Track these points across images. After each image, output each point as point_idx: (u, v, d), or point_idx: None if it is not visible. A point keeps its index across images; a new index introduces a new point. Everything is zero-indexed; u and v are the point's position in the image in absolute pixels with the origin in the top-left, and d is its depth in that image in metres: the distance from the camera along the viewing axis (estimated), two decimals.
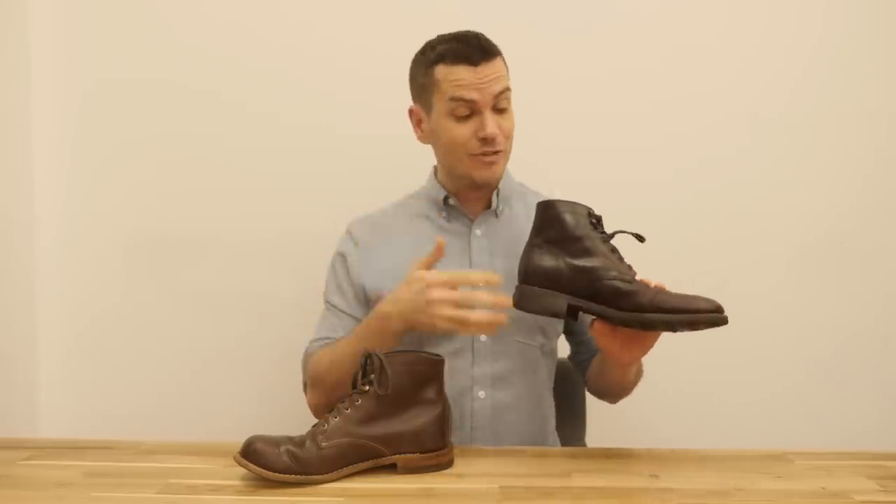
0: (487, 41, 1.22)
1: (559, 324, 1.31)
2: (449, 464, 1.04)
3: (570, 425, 1.45)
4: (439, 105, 1.22)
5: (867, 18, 1.70)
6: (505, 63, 1.24)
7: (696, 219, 1.71)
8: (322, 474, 0.96)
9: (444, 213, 1.30)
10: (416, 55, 1.27)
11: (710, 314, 1.00)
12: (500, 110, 1.21)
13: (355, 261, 1.29)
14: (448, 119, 1.21)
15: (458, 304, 1.09)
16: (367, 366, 1.02)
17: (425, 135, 1.29)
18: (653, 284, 1.05)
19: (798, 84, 1.71)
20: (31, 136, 1.66)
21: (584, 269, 1.05)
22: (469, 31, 1.23)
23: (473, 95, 1.19)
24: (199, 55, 1.67)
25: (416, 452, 1.02)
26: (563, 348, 1.38)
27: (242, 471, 0.96)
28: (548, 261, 1.07)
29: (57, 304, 1.70)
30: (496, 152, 1.22)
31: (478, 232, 1.28)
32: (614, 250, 1.08)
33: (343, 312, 1.28)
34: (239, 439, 0.98)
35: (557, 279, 1.06)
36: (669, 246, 1.66)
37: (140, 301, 1.70)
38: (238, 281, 1.70)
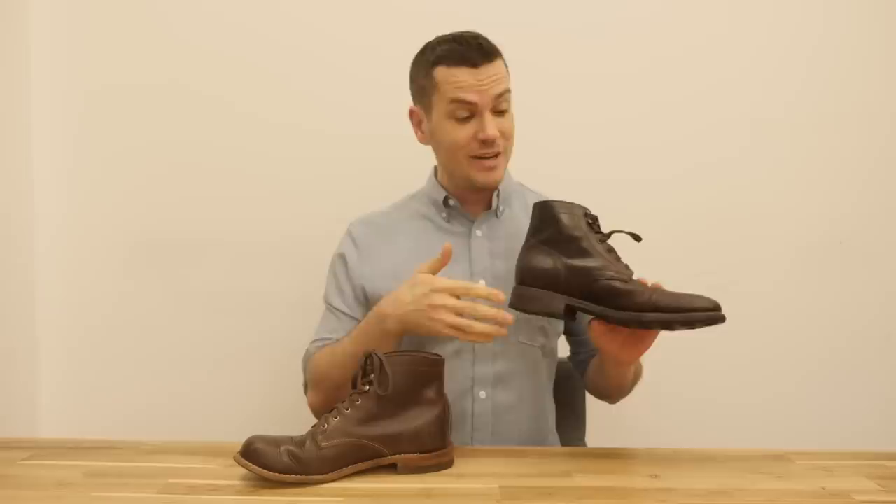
0: (488, 42, 1.22)
1: (559, 324, 1.31)
2: (449, 464, 1.04)
3: (570, 425, 1.45)
4: (439, 106, 1.22)
5: (867, 19, 1.70)
6: (505, 64, 1.23)
7: (697, 219, 1.71)
8: (322, 474, 0.96)
9: (444, 214, 1.30)
10: (417, 56, 1.27)
11: (708, 313, 1.00)
12: (500, 112, 1.21)
13: (355, 262, 1.29)
14: (448, 121, 1.21)
15: (460, 313, 1.08)
16: (367, 366, 1.02)
17: (426, 136, 1.29)
18: (650, 284, 1.05)
19: (799, 85, 1.71)
20: (32, 137, 1.67)
21: (581, 270, 1.05)
22: (469, 32, 1.23)
23: (473, 97, 1.18)
24: (200, 58, 1.67)
25: (416, 452, 1.02)
26: (563, 348, 1.38)
27: (242, 471, 0.96)
28: (545, 261, 1.07)
29: (57, 305, 1.70)
30: (496, 155, 1.21)
31: (478, 233, 1.28)
32: (611, 250, 1.09)
33: (343, 314, 1.28)
34: (239, 439, 0.98)
35: (555, 280, 1.06)
36: (670, 246, 1.67)
37: (140, 301, 1.70)
38: (238, 281, 1.70)
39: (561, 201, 1.10)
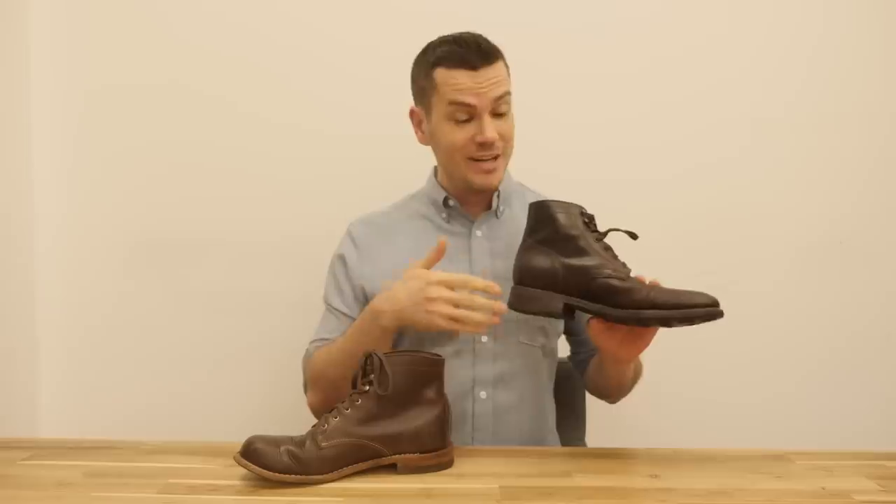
0: (488, 44, 1.21)
1: (559, 324, 1.31)
2: (449, 464, 1.04)
3: (570, 425, 1.45)
4: (438, 108, 1.22)
5: (867, 19, 1.70)
6: (506, 65, 1.23)
7: (697, 219, 1.71)
8: (322, 474, 0.96)
9: (444, 214, 1.30)
10: (418, 56, 1.27)
11: (706, 308, 1.00)
12: (499, 114, 1.21)
13: (355, 262, 1.29)
14: (447, 122, 1.21)
15: (457, 305, 1.09)
16: (367, 366, 1.02)
17: (426, 136, 1.29)
18: (648, 281, 1.05)
19: (799, 85, 1.71)
20: (32, 137, 1.67)
21: (578, 268, 1.05)
22: (470, 34, 1.22)
23: (472, 100, 1.18)
24: (200, 58, 1.67)
25: (416, 452, 1.02)
26: (563, 348, 1.38)
27: (242, 471, 0.96)
28: (542, 261, 1.07)
29: (57, 304, 1.70)
30: (495, 157, 1.21)
31: (478, 233, 1.28)
32: (608, 248, 1.09)
33: (342, 314, 1.28)
34: (239, 439, 0.98)
35: (553, 279, 1.06)
36: (670, 246, 1.67)
37: (140, 301, 1.70)
38: (238, 281, 1.70)
39: (557, 201, 1.10)
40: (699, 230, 1.71)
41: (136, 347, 1.71)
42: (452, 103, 1.19)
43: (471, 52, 1.18)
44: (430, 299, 1.09)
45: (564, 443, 1.36)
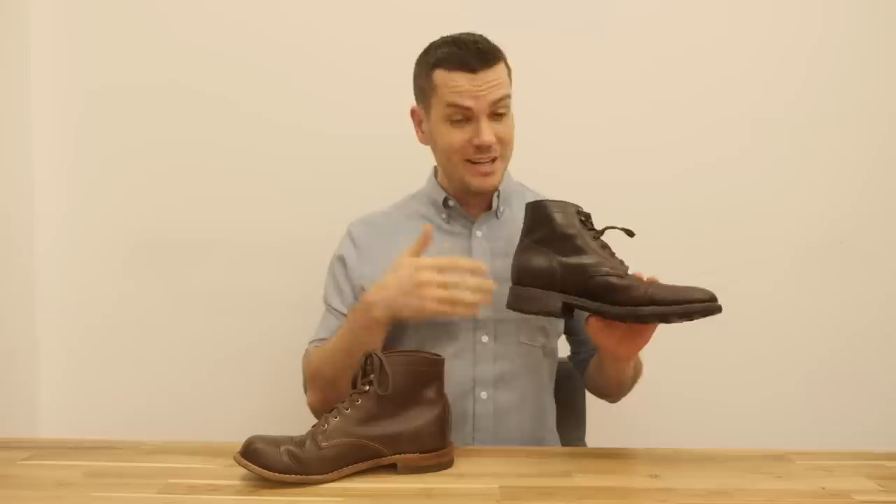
0: (489, 46, 1.20)
1: (559, 323, 1.31)
2: (449, 464, 1.04)
3: (571, 425, 1.45)
4: (437, 109, 1.22)
5: (867, 19, 1.70)
6: (507, 67, 1.23)
7: (697, 219, 1.71)
8: (322, 474, 0.96)
9: (444, 215, 1.30)
10: (420, 56, 1.26)
11: (704, 304, 1.00)
12: (498, 117, 1.20)
13: (355, 262, 1.29)
14: (444, 124, 1.21)
15: (447, 287, 1.10)
16: (367, 366, 1.02)
17: (426, 136, 1.29)
18: (646, 278, 1.05)
19: (799, 85, 1.71)
20: (32, 137, 1.67)
21: (576, 267, 1.05)
22: (471, 36, 1.22)
23: (469, 103, 1.18)
24: (200, 57, 1.67)
25: (416, 452, 1.02)
26: (564, 348, 1.38)
27: (242, 471, 0.96)
28: (540, 261, 1.07)
29: (57, 304, 1.70)
30: (493, 160, 1.21)
31: (478, 233, 1.28)
32: (605, 246, 1.09)
33: (342, 314, 1.28)
34: (239, 439, 0.98)
35: (551, 278, 1.06)
36: (670, 246, 1.67)
37: (140, 301, 1.70)
38: (238, 281, 1.70)
39: (553, 200, 1.10)
40: (699, 230, 1.71)
41: (136, 347, 1.71)
42: (450, 105, 1.19)
43: (470, 54, 1.18)
44: (421, 284, 1.09)
45: (564, 443, 1.36)
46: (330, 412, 1.01)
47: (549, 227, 1.08)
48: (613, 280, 1.03)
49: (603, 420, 1.50)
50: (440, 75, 1.20)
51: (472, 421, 1.23)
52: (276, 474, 0.94)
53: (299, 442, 0.97)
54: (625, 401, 1.33)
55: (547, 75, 1.64)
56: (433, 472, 1.02)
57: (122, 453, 1.09)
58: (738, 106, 1.70)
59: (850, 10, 1.70)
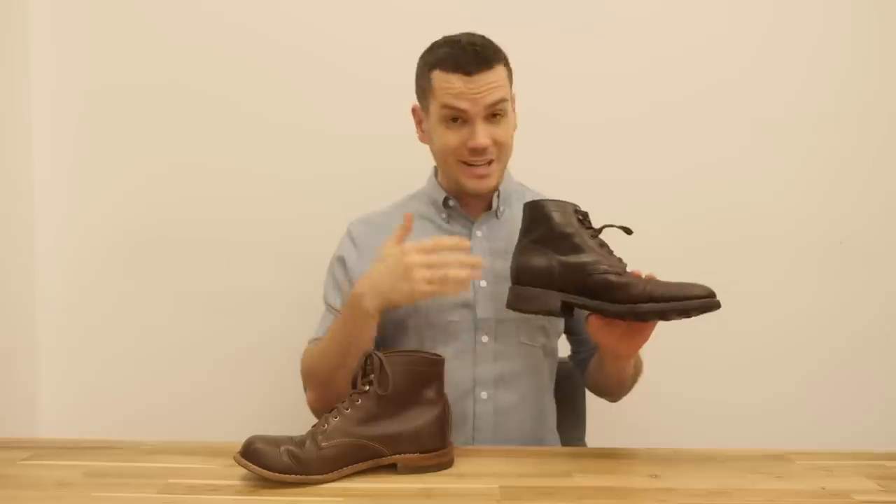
0: (487, 49, 1.20)
1: (559, 323, 1.31)
2: (449, 464, 1.04)
3: (571, 425, 1.45)
4: (434, 109, 1.22)
5: (867, 20, 1.70)
6: (508, 68, 1.23)
7: (697, 219, 1.71)
8: (322, 474, 0.96)
9: (444, 214, 1.30)
10: (422, 54, 1.26)
11: (703, 300, 1.00)
12: (495, 119, 1.20)
13: (354, 261, 1.29)
14: (441, 124, 1.21)
15: (435, 267, 1.10)
16: (367, 366, 1.02)
17: (425, 135, 1.29)
18: (644, 275, 1.05)
19: (799, 85, 1.71)
20: (32, 137, 1.67)
21: (575, 266, 1.06)
22: (471, 38, 1.21)
23: (464, 105, 1.18)
24: (200, 57, 1.67)
25: (416, 452, 1.02)
26: (564, 348, 1.38)
27: (242, 471, 0.96)
28: (539, 260, 1.08)
29: (57, 304, 1.70)
30: (489, 162, 1.21)
31: (478, 233, 1.28)
32: (603, 245, 1.09)
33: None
34: (239, 439, 0.98)
35: (549, 277, 1.07)
36: (670, 246, 1.67)
37: (140, 301, 1.70)
38: (238, 281, 1.70)
39: (551, 200, 1.11)
40: (699, 230, 1.71)
41: (136, 347, 1.70)
42: (445, 107, 1.19)
43: (467, 56, 1.18)
44: (409, 267, 1.09)
45: (564, 443, 1.36)
46: (330, 412, 1.01)
47: (547, 227, 1.08)
48: (612, 278, 1.03)
49: (603, 420, 1.50)
50: (437, 76, 1.20)
51: (472, 421, 1.23)
52: (276, 474, 0.94)
53: (299, 442, 0.97)
54: (625, 401, 1.33)
55: (547, 75, 1.64)
56: (433, 472, 1.02)
57: (122, 453, 1.09)
58: (738, 106, 1.70)
59: (850, 10, 1.70)
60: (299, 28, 1.67)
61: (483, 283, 1.24)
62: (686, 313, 1.00)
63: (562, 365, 1.38)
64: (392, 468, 1.01)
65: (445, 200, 1.29)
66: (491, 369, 1.24)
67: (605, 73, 1.69)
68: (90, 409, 1.69)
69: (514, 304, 1.10)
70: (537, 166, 1.43)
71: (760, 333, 1.72)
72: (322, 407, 1.16)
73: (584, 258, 1.06)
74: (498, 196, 1.29)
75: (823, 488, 0.97)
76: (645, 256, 1.13)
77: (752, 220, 1.72)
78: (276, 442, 0.96)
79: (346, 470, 0.98)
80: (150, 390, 1.70)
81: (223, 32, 1.67)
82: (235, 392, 1.70)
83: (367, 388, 1.01)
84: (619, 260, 1.08)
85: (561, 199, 1.11)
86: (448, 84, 1.18)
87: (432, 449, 1.03)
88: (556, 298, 1.06)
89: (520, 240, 1.12)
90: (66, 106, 1.68)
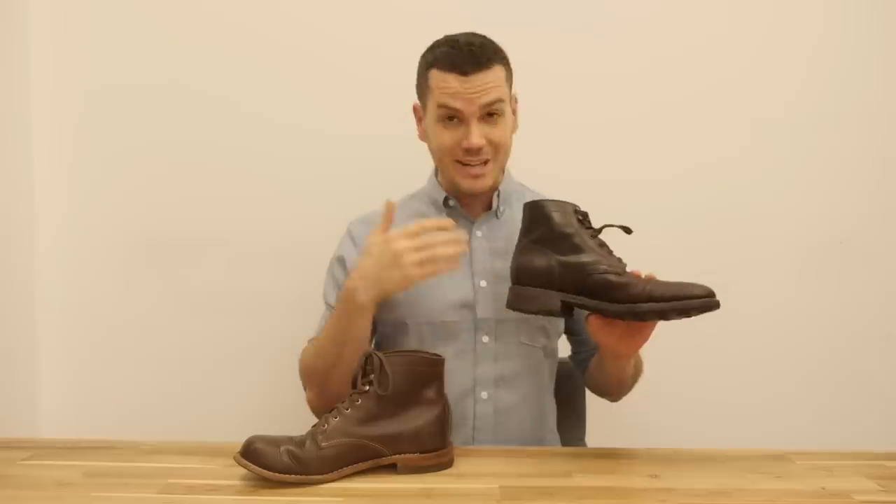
0: (485, 49, 1.20)
1: (559, 323, 1.31)
2: (449, 464, 1.04)
3: (571, 425, 1.45)
4: (431, 108, 1.23)
5: (867, 20, 1.70)
6: (507, 69, 1.23)
7: (697, 219, 1.71)
8: (322, 474, 0.96)
9: (444, 214, 1.30)
10: (423, 52, 1.26)
11: (703, 299, 1.00)
12: (491, 120, 1.20)
13: (354, 261, 1.29)
14: (437, 123, 1.22)
15: (422, 249, 1.09)
16: (367, 366, 1.02)
17: (423, 133, 1.29)
18: (644, 275, 1.05)
19: (799, 85, 1.71)
20: (32, 137, 1.67)
21: (575, 266, 1.06)
22: (468, 38, 1.21)
23: (459, 105, 1.18)
24: (200, 57, 1.67)
25: (416, 452, 1.02)
26: (564, 348, 1.38)
27: (242, 471, 0.96)
28: (538, 260, 1.08)
29: (57, 304, 1.70)
30: (484, 162, 1.21)
31: (478, 233, 1.28)
32: (603, 245, 1.09)
33: None
34: (239, 439, 0.98)
35: (549, 277, 1.07)
36: (670, 246, 1.67)
37: (140, 301, 1.70)
38: (238, 281, 1.70)
39: (551, 200, 1.11)
40: (699, 230, 1.71)
41: (135, 347, 1.70)
42: (441, 106, 1.20)
43: (463, 56, 1.18)
44: (397, 255, 1.09)
45: (564, 443, 1.36)
46: (330, 412, 1.01)
47: (546, 227, 1.08)
48: (611, 278, 1.03)
49: (603, 420, 1.50)
50: (435, 75, 1.20)
51: (472, 421, 1.23)
52: (276, 474, 0.94)
53: (299, 442, 0.97)
54: (625, 401, 1.33)
55: (547, 75, 1.64)
56: (433, 472, 1.02)
57: (122, 453, 1.09)
58: (738, 106, 1.70)
59: (850, 10, 1.70)
60: (299, 28, 1.67)
61: (483, 283, 1.24)
62: (686, 313, 1.00)
63: (562, 365, 1.38)
64: (392, 468, 1.01)
65: (445, 200, 1.29)
66: (491, 369, 1.24)
67: (605, 73, 1.69)
68: (90, 409, 1.69)
69: (514, 304, 1.10)
70: (537, 166, 1.43)
71: (760, 333, 1.72)
72: (321, 405, 1.16)
73: (584, 258, 1.06)
74: (498, 196, 1.29)
75: (823, 488, 0.97)
76: (645, 256, 1.13)
77: (752, 220, 1.72)
78: (276, 442, 0.96)
79: (346, 470, 0.98)
80: (150, 390, 1.70)
81: (223, 32, 1.67)
82: (235, 392, 1.70)
83: (367, 388, 1.01)
84: (619, 260, 1.08)
85: (561, 199, 1.11)
86: (444, 83, 1.19)
87: (432, 449, 1.03)
88: (555, 298, 1.07)
89: (520, 240, 1.12)
90: (66, 106, 1.68)
